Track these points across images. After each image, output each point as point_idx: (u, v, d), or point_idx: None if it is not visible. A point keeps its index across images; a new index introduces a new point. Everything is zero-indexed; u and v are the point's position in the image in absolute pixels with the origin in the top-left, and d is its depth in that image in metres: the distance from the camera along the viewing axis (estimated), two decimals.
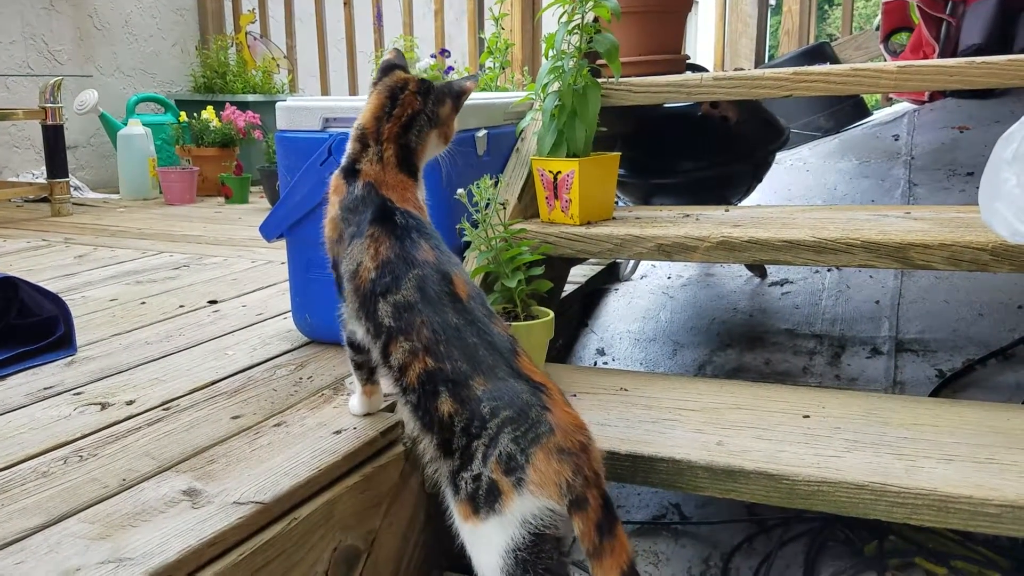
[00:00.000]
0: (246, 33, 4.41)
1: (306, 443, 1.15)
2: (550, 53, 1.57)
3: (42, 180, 3.54)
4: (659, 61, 2.01)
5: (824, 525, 1.38)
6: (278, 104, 1.59)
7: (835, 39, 4.24)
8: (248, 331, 1.70)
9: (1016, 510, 1.00)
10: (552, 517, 0.89)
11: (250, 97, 4.15)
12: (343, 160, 1.19)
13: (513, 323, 1.39)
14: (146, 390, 1.37)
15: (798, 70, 1.60)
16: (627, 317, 2.18)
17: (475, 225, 1.42)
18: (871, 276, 2.12)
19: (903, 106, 3.32)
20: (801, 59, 3.26)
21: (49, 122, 3.29)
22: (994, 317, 1.88)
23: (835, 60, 3.42)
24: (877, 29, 3.52)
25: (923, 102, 3.19)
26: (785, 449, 1.17)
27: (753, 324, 2.06)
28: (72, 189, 3.50)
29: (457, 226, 1.45)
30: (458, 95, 1.20)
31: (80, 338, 1.62)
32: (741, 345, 1.97)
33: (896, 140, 2.90)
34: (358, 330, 1.11)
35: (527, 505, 0.89)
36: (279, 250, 1.70)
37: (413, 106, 1.16)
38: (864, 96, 3.40)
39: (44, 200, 3.45)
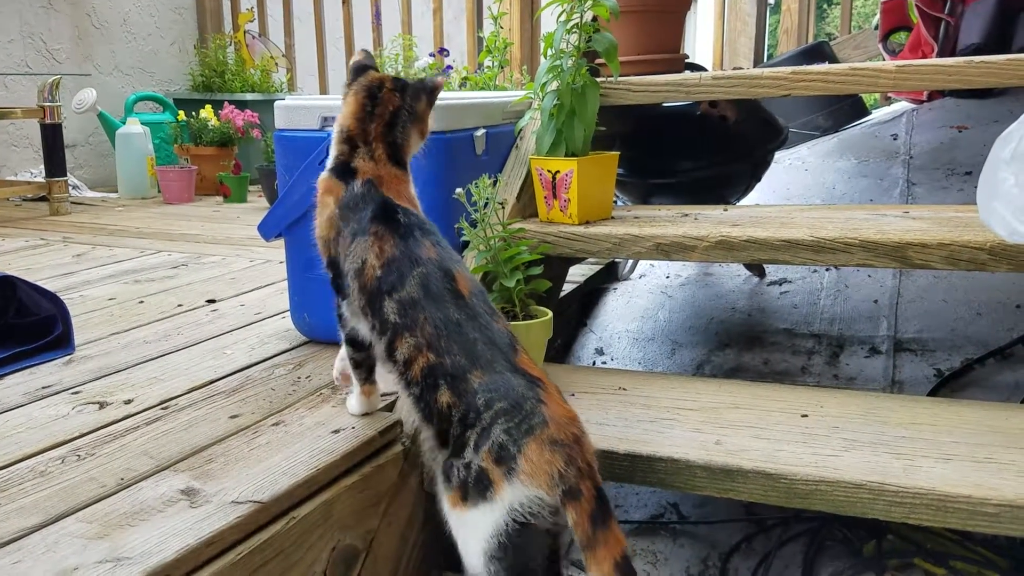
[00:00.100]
0: (244, 32, 4.41)
1: (304, 442, 1.15)
2: (549, 52, 1.57)
3: (40, 179, 3.54)
4: (658, 60, 2.00)
5: (822, 525, 1.38)
6: (276, 103, 1.59)
7: (834, 38, 4.24)
8: (246, 330, 1.70)
9: (1014, 509, 1.00)
10: (540, 506, 0.89)
11: (248, 96, 4.14)
12: (330, 162, 1.20)
13: (512, 323, 1.39)
14: (144, 389, 1.37)
15: (797, 69, 1.60)
16: (626, 317, 2.18)
17: (474, 225, 1.42)
18: (869, 275, 2.12)
19: (902, 105, 3.33)
20: (800, 58, 3.26)
21: (47, 121, 3.29)
22: (992, 316, 1.88)
23: (834, 59, 3.42)
24: (876, 28, 3.52)
25: (922, 101, 3.20)
26: (783, 448, 1.17)
27: (751, 323, 2.06)
28: (70, 188, 3.50)
29: (456, 225, 1.45)
30: (431, 91, 1.22)
31: (78, 337, 1.62)
32: (739, 345, 1.97)
33: (895, 139, 2.90)
34: (361, 327, 1.12)
35: (516, 494, 0.90)
36: (277, 249, 1.70)
37: (394, 103, 1.18)
38: (863, 95, 3.40)
39: (42, 199, 3.45)
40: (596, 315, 2.22)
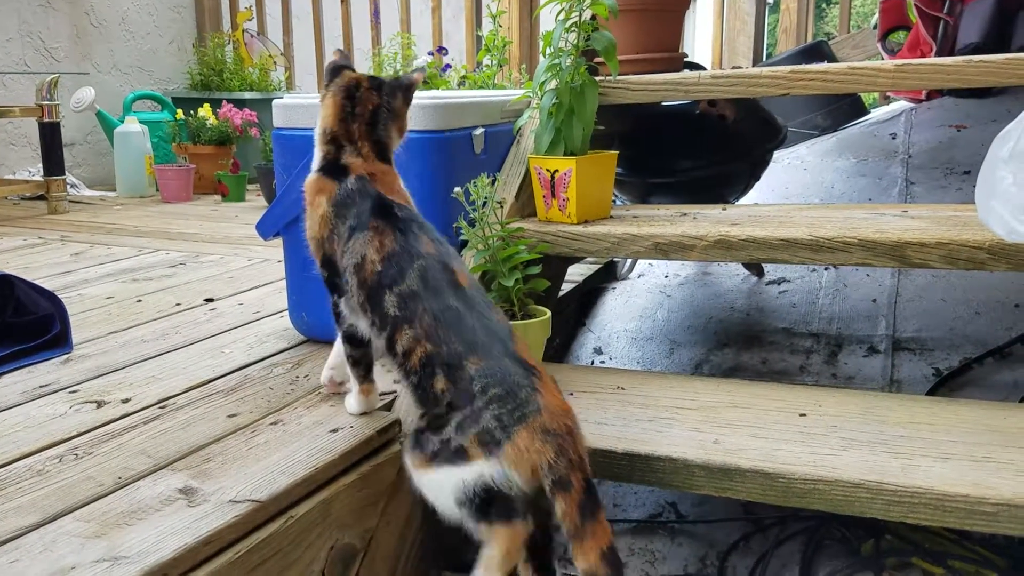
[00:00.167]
0: (243, 30, 4.40)
1: (303, 441, 1.15)
2: (547, 51, 1.57)
3: (38, 178, 3.54)
4: (657, 59, 2.00)
5: (820, 524, 1.38)
6: (275, 102, 1.58)
7: (833, 37, 4.24)
8: (244, 329, 1.70)
9: (1013, 508, 1.00)
10: (508, 484, 0.92)
11: (247, 94, 4.14)
12: (317, 163, 1.20)
13: (510, 322, 1.38)
14: (142, 388, 1.37)
15: (796, 68, 1.60)
16: (624, 316, 2.18)
17: (472, 224, 1.42)
18: (868, 275, 2.12)
19: (900, 104, 3.33)
20: (799, 57, 3.26)
21: (46, 119, 3.29)
22: (991, 316, 1.88)
23: (833, 58, 3.42)
24: (875, 28, 3.52)
25: (920, 101, 3.19)
26: (781, 447, 1.17)
27: (750, 323, 2.06)
28: (68, 187, 3.50)
29: (454, 224, 1.44)
30: (407, 88, 1.22)
31: (76, 336, 1.62)
32: (738, 344, 1.97)
33: (893, 139, 2.90)
34: (360, 323, 1.13)
35: (491, 470, 0.92)
36: (276, 248, 1.70)
37: (373, 102, 1.19)
38: (861, 94, 3.40)
39: (40, 198, 3.45)
40: (595, 314, 2.22)
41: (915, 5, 3.04)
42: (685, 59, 2.15)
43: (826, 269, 2.20)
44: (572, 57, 1.55)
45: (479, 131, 1.61)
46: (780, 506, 1.14)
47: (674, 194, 2.12)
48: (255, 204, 3.51)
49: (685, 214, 1.66)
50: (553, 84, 1.57)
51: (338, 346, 1.26)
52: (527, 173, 1.65)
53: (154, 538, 0.90)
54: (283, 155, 1.55)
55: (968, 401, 1.35)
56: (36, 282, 1.64)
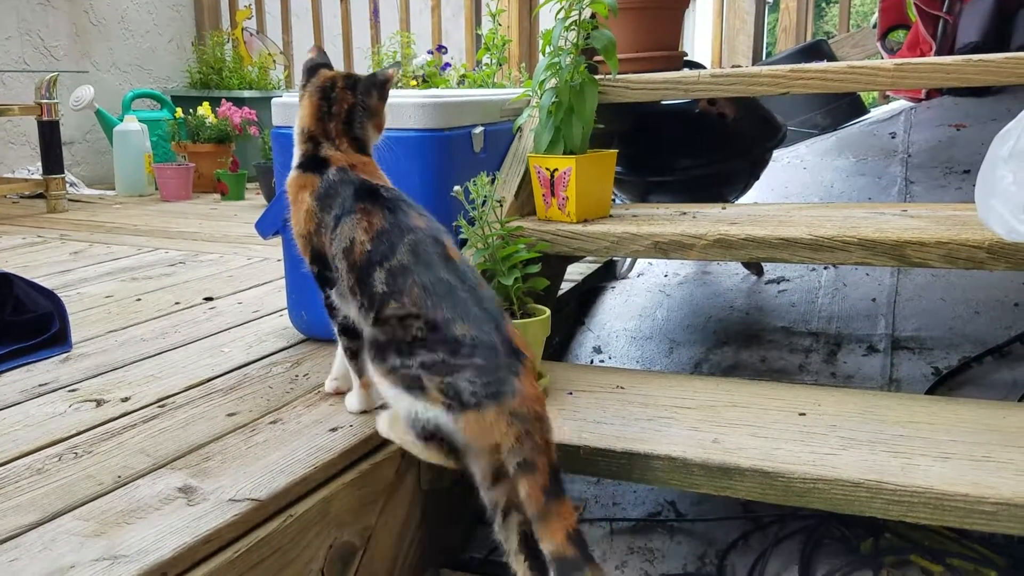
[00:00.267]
0: (242, 29, 4.40)
1: (302, 440, 1.15)
2: (547, 49, 1.57)
3: (38, 176, 3.53)
4: (656, 58, 2.00)
5: (820, 523, 1.38)
6: (274, 100, 1.58)
7: (832, 36, 4.24)
8: (244, 328, 1.70)
9: (1012, 507, 1.00)
10: (461, 442, 0.97)
11: (246, 93, 4.14)
12: (296, 160, 1.21)
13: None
14: (141, 387, 1.37)
15: (795, 67, 1.60)
16: (624, 315, 2.18)
17: (472, 223, 1.42)
18: (867, 274, 2.12)
19: (900, 104, 3.32)
20: (798, 56, 3.26)
21: (45, 118, 3.28)
22: (990, 315, 1.88)
23: (832, 57, 3.42)
24: (874, 27, 3.52)
25: (920, 100, 3.19)
26: (781, 447, 1.17)
27: (749, 322, 2.06)
28: (68, 185, 3.49)
29: (454, 223, 1.44)
30: (382, 84, 1.23)
31: (75, 335, 1.62)
32: (737, 343, 1.97)
33: (893, 138, 2.90)
34: (351, 310, 1.13)
35: (448, 424, 0.97)
36: (275, 247, 1.69)
37: (348, 100, 1.19)
38: (861, 94, 3.39)
39: (40, 196, 3.45)
40: (594, 313, 2.21)
41: (914, 4, 3.04)
42: (685, 58, 2.15)
43: (825, 268, 2.20)
44: (572, 56, 1.55)
45: (478, 130, 1.61)
46: (779, 505, 1.14)
47: (674, 193, 2.12)
48: (254, 203, 3.51)
49: (684, 213, 1.66)
50: (552, 83, 1.57)
51: (339, 354, 1.26)
52: (526, 172, 1.65)
53: (153, 537, 0.90)
54: (282, 153, 1.55)
55: (967, 400, 1.36)
56: (35, 281, 1.64)
